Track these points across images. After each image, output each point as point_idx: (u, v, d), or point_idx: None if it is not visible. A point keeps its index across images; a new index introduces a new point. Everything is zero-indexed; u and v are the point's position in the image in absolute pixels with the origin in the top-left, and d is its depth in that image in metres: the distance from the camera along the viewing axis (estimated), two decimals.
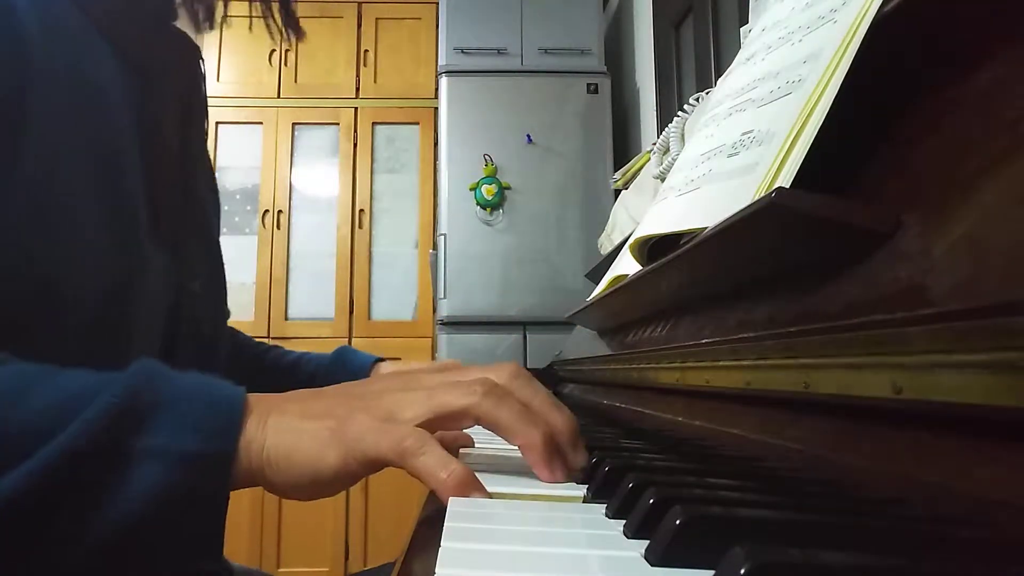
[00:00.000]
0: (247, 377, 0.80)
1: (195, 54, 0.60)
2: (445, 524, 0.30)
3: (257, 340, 0.87)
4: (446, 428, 0.40)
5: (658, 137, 1.25)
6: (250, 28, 0.62)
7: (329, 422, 0.38)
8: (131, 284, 0.48)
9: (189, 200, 0.60)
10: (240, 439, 0.36)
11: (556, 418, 0.41)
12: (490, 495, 0.37)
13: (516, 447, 0.40)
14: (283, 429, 0.37)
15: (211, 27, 0.61)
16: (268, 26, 0.63)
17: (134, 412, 0.34)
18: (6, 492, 0.31)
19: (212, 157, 2.71)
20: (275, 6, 0.63)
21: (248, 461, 0.36)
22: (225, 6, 0.61)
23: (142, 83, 0.52)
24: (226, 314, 0.69)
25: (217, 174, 2.88)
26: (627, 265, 0.77)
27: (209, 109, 0.64)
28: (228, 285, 0.74)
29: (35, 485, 0.31)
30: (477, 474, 0.38)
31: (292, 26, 0.64)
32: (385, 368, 0.80)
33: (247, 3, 0.63)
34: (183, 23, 0.59)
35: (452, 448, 0.52)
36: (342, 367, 0.80)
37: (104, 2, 0.49)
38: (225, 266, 0.69)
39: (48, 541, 0.32)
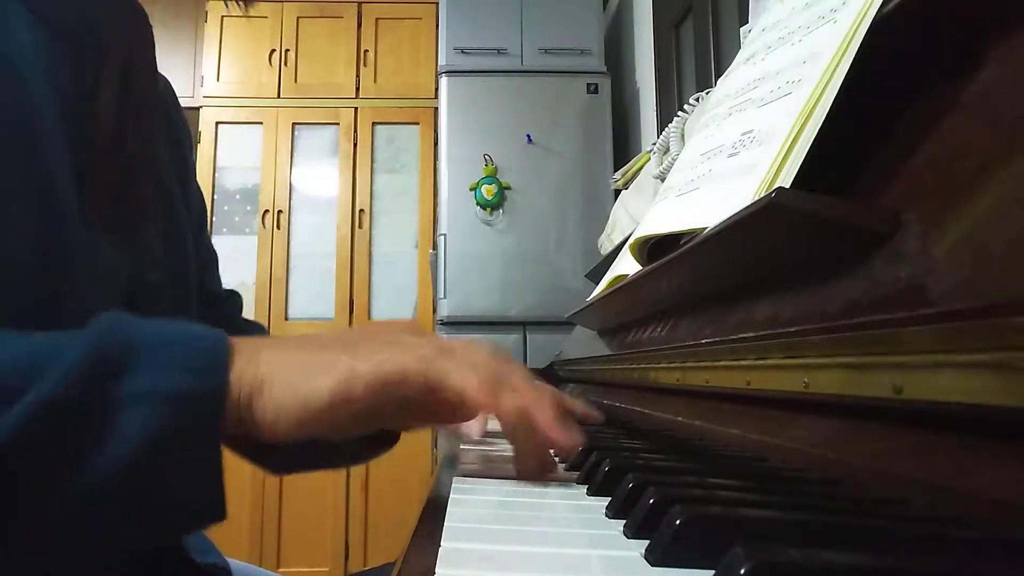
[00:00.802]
0: None
1: (137, 17, 0.54)
2: (445, 524, 0.30)
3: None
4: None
5: (658, 137, 1.25)
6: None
7: (328, 352, 0.36)
8: (69, 286, 0.44)
9: (140, 180, 0.54)
10: (231, 373, 0.34)
11: (541, 389, 0.40)
12: (517, 408, 0.35)
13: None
14: (274, 361, 0.35)
15: None
16: None
17: (111, 358, 0.31)
18: None
19: (212, 157, 2.72)
20: None
21: (239, 398, 0.34)
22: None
23: (67, 46, 0.47)
24: (194, 306, 0.63)
25: (217, 174, 2.87)
26: (627, 265, 0.77)
27: (207, 110, 0.62)
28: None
29: (14, 441, 0.29)
30: (476, 478, 0.38)
31: None
32: None
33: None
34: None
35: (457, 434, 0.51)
36: None
37: None
38: (219, 259, 0.65)
39: (37, 496, 0.30)
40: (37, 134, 0.43)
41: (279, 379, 0.34)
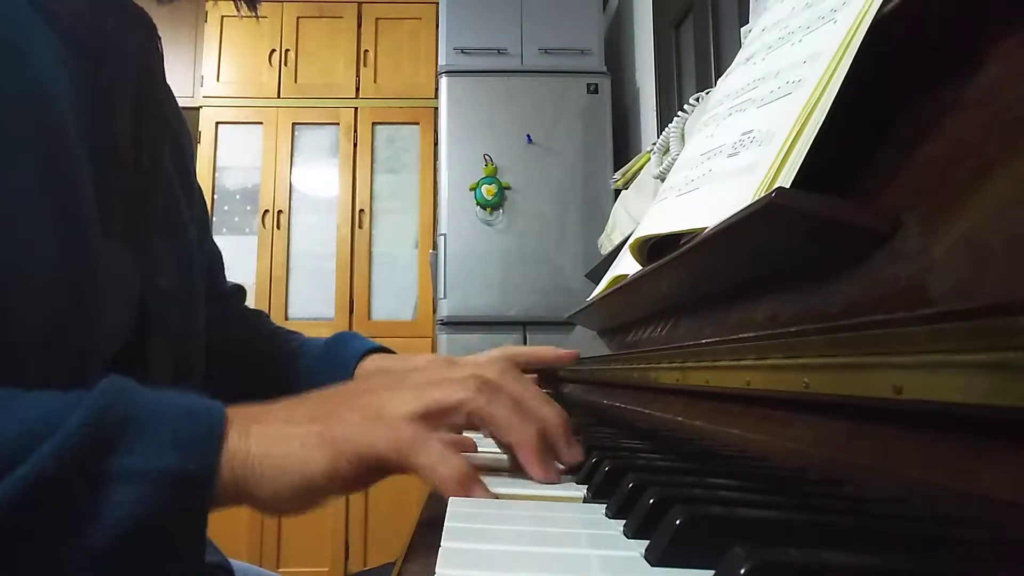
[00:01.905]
0: (253, 366, 0.76)
1: (148, 31, 0.55)
2: (445, 524, 0.30)
3: (275, 326, 0.82)
4: (438, 425, 0.39)
5: (658, 137, 1.25)
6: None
7: (315, 425, 0.36)
8: (85, 288, 0.45)
9: (152, 192, 0.55)
10: (222, 452, 0.34)
11: (548, 413, 0.40)
12: (493, 494, 0.36)
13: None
14: (268, 436, 0.35)
15: None
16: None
17: (105, 431, 0.32)
18: None
19: (212, 157, 2.72)
20: None
21: (231, 474, 0.34)
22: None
23: (86, 59, 0.48)
24: (201, 310, 0.63)
25: (217, 174, 2.87)
26: (627, 265, 0.77)
27: (208, 111, 0.63)
28: (205, 276, 0.72)
29: (4, 512, 0.30)
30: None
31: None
32: (370, 364, 0.75)
33: (258, 18, 0.61)
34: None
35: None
36: (336, 357, 0.76)
37: None
38: (224, 260, 0.66)
39: (27, 565, 0.31)
40: (62, 148, 0.44)
41: (273, 460, 0.35)
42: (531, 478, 0.39)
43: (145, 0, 0.55)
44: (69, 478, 0.31)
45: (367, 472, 0.36)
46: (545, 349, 0.80)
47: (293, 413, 0.38)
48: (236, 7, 0.61)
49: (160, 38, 0.56)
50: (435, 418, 0.38)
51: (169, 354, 0.56)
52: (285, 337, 0.80)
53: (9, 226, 0.40)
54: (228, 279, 0.79)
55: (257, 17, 0.61)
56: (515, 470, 0.41)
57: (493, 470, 0.44)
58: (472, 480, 0.35)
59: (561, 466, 0.40)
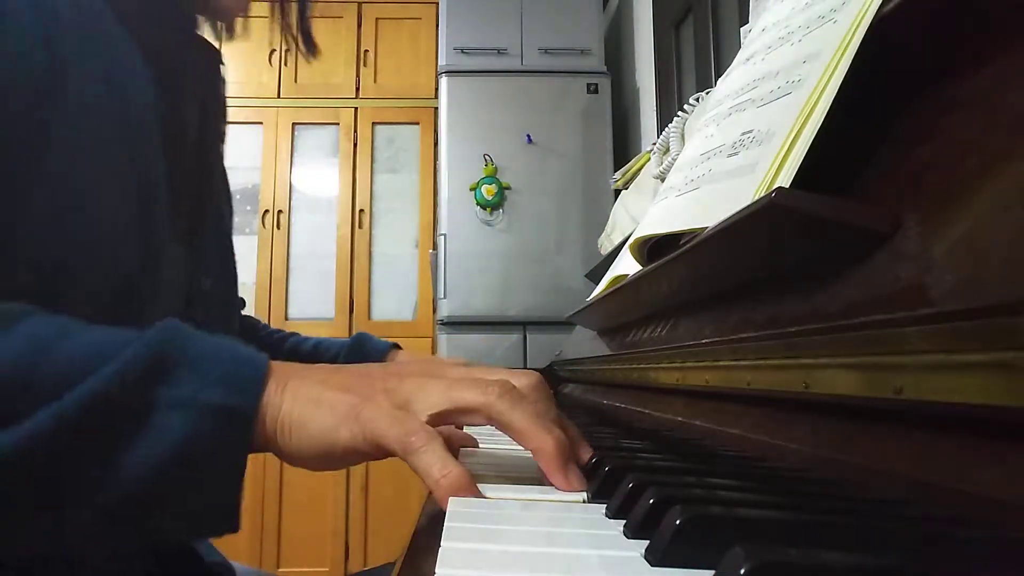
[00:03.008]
0: None
1: (216, 58, 0.62)
2: (445, 524, 0.30)
3: (276, 328, 0.88)
4: (459, 422, 0.40)
5: (658, 137, 1.25)
6: (245, 31, 0.65)
7: (349, 397, 0.38)
8: (147, 279, 0.49)
9: (206, 197, 0.61)
10: (262, 398, 0.36)
11: (568, 429, 0.41)
12: (485, 498, 0.36)
13: (523, 449, 0.39)
14: (301, 397, 0.37)
15: (231, 38, 0.64)
16: (285, 40, 0.68)
17: (162, 362, 0.34)
18: (36, 431, 0.31)
19: None
20: (293, 21, 0.67)
21: (264, 423, 0.36)
22: (245, 20, 0.64)
23: (166, 83, 0.53)
24: (237, 313, 0.69)
25: None
26: (627, 265, 0.77)
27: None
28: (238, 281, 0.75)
29: (63, 426, 0.32)
30: (479, 475, 0.38)
31: (307, 42, 0.69)
32: (402, 356, 0.81)
33: (259, 17, 0.65)
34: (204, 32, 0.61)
35: (453, 448, 0.52)
36: (360, 352, 0.82)
37: (136, 7, 0.51)
38: (236, 265, 0.69)
39: (73, 483, 0.33)
40: (148, 156, 0.49)
41: (299, 419, 0.37)
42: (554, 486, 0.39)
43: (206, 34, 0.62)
44: (126, 398, 0.33)
45: (379, 453, 0.37)
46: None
47: (330, 377, 0.39)
48: (285, 49, 0.67)
49: (224, 64, 0.63)
50: (457, 415, 0.39)
51: None
52: (296, 339, 0.86)
53: (97, 220, 0.44)
54: None
55: (251, 16, 0.65)
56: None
57: (494, 468, 0.44)
58: (464, 488, 0.36)
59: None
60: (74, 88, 0.44)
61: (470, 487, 0.36)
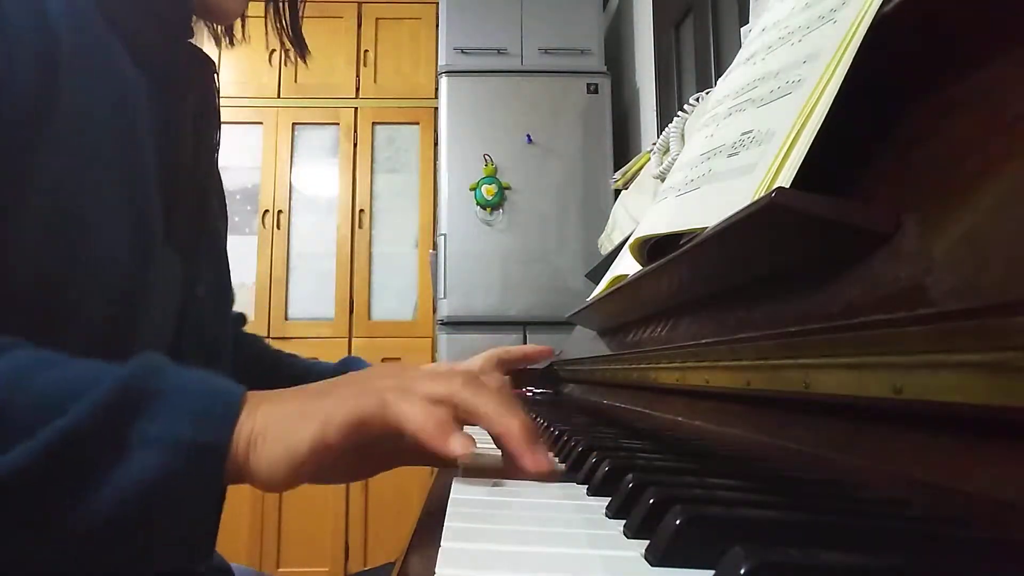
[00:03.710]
0: (261, 384, 0.81)
1: (210, 68, 0.62)
2: (445, 524, 0.30)
3: (275, 348, 0.87)
4: None
5: (658, 137, 1.25)
6: (245, 36, 0.65)
7: (309, 401, 0.38)
8: (141, 290, 0.49)
9: (201, 207, 0.61)
10: (234, 431, 0.36)
11: (521, 416, 0.41)
12: (474, 446, 0.37)
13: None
14: (268, 415, 0.37)
15: (231, 44, 0.64)
16: (280, 41, 0.67)
17: (134, 398, 0.34)
18: (7, 466, 0.31)
19: None
20: (283, 18, 0.66)
21: (236, 452, 0.36)
22: (243, 26, 0.64)
23: (161, 94, 0.53)
24: (229, 320, 0.69)
25: None
26: (627, 265, 0.77)
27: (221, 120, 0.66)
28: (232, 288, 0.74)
29: (34, 463, 0.32)
30: (476, 478, 0.38)
31: (298, 44, 0.68)
32: None
33: (258, 18, 0.66)
34: (201, 39, 0.61)
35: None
36: (346, 371, 0.81)
37: (128, 14, 0.50)
38: (231, 272, 0.69)
39: (42, 522, 0.33)
40: (140, 161, 0.49)
41: (270, 434, 0.36)
42: (520, 473, 0.40)
43: (203, 41, 0.62)
44: (95, 436, 0.33)
45: (358, 436, 0.37)
46: (524, 347, 0.84)
47: (298, 394, 0.40)
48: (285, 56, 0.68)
49: (218, 73, 0.63)
50: None
51: (200, 362, 0.58)
52: (290, 360, 0.85)
53: (87, 221, 0.44)
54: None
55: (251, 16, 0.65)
56: (507, 468, 0.41)
57: (488, 470, 0.44)
58: (451, 430, 0.36)
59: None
60: (69, 101, 0.44)
61: (455, 429, 0.37)
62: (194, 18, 0.59)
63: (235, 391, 0.37)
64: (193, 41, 0.60)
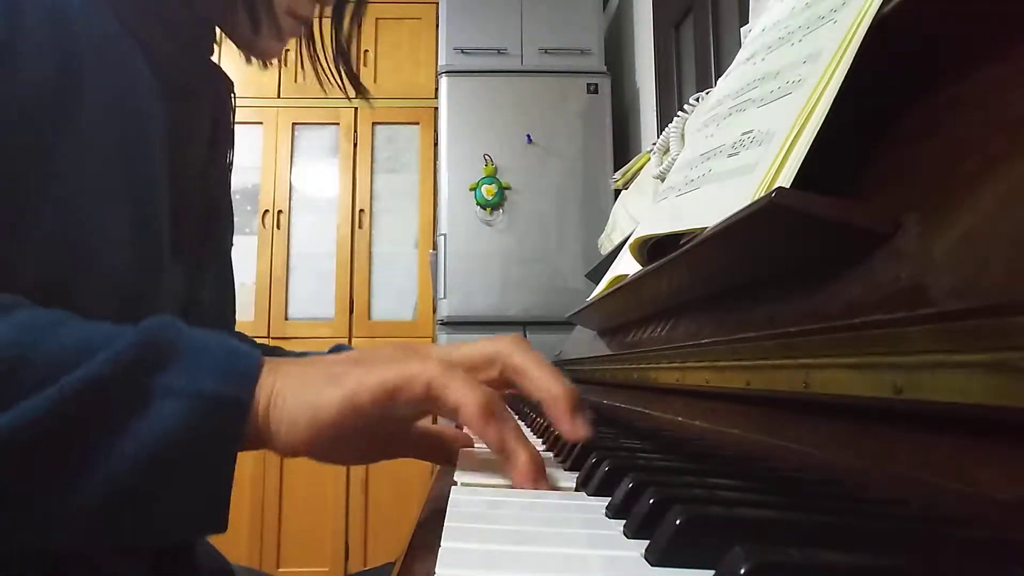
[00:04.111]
0: None
1: (227, 86, 0.62)
2: (445, 524, 0.30)
3: (263, 344, 0.87)
4: (474, 372, 0.41)
5: (658, 137, 1.25)
6: (319, 82, 0.67)
7: (339, 366, 0.38)
8: (148, 300, 0.49)
9: (210, 218, 0.61)
10: (256, 387, 0.36)
11: (556, 386, 0.42)
12: (522, 434, 0.37)
13: None
14: (293, 374, 0.37)
15: (264, 67, 0.64)
16: (332, 83, 0.68)
17: (157, 352, 0.34)
18: (30, 415, 0.31)
19: None
20: (340, 67, 0.68)
21: (257, 410, 0.36)
22: (284, 55, 0.64)
23: (177, 108, 0.53)
24: (233, 329, 0.69)
25: None
26: (627, 265, 0.77)
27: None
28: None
29: (57, 411, 0.32)
30: (475, 475, 0.38)
31: (356, 85, 0.70)
32: None
33: (311, 60, 0.67)
34: (234, 58, 0.61)
35: (451, 448, 0.52)
36: None
37: (146, 23, 0.50)
38: (235, 281, 0.69)
39: (66, 470, 0.32)
40: (153, 172, 0.49)
41: (291, 392, 0.36)
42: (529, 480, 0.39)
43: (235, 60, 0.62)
44: (121, 384, 0.33)
45: (389, 403, 0.37)
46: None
47: (318, 361, 0.39)
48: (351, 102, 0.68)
49: (235, 93, 0.63)
50: (467, 371, 0.39)
51: None
52: (282, 353, 0.84)
53: (96, 229, 0.44)
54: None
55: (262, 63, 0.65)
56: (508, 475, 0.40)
57: (492, 469, 0.45)
58: (496, 413, 0.36)
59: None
60: (86, 108, 0.44)
61: (500, 412, 0.37)
62: (224, 37, 0.59)
63: (253, 352, 0.37)
64: (215, 56, 0.60)
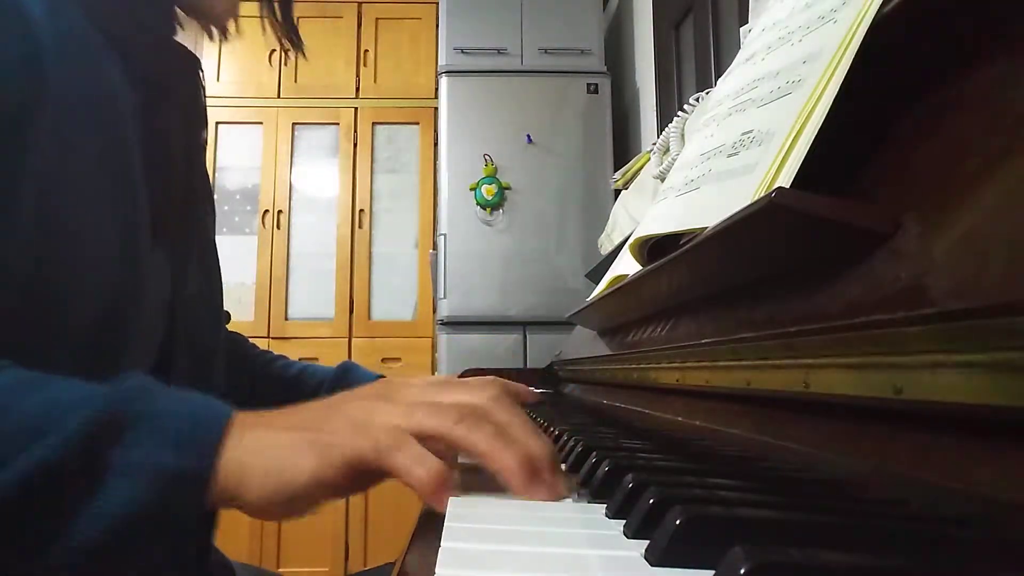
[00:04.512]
0: (251, 386, 0.80)
1: (195, 65, 0.61)
2: (445, 524, 0.30)
3: (263, 349, 0.86)
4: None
5: (658, 137, 1.25)
6: (238, 31, 0.64)
7: (305, 432, 0.37)
8: (131, 293, 0.49)
9: (193, 201, 0.60)
10: (219, 458, 0.35)
11: (533, 444, 0.39)
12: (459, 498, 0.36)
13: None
14: (259, 443, 0.36)
15: (226, 39, 0.63)
16: (274, 34, 0.66)
17: (115, 425, 0.34)
18: None
19: (212, 157, 2.72)
20: (275, 15, 0.65)
21: (225, 480, 0.35)
22: (236, 21, 0.63)
23: (148, 95, 0.53)
24: (223, 318, 0.68)
25: (217, 174, 2.89)
26: (627, 265, 0.77)
27: (208, 112, 0.65)
28: (228, 285, 0.74)
29: (9, 495, 0.31)
30: (472, 490, 0.38)
31: (291, 34, 0.66)
32: None
33: (256, 18, 0.65)
34: (188, 36, 0.61)
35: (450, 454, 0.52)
36: (345, 383, 0.79)
37: (113, 16, 0.50)
38: (221, 269, 0.69)
39: (19, 551, 0.32)
40: (129, 164, 0.49)
41: (260, 465, 0.36)
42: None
43: (187, 38, 0.61)
44: (73, 466, 0.32)
45: (355, 476, 0.36)
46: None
47: (289, 420, 0.39)
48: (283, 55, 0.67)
49: (204, 72, 0.62)
50: (418, 440, 0.38)
51: (191, 362, 0.58)
52: (282, 363, 0.83)
53: (76, 225, 0.44)
54: (227, 281, 0.80)
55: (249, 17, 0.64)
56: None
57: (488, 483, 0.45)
58: (447, 483, 0.36)
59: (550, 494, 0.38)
60: (54, 101, 0.43)
61: (449, 482, 0.36)
62: (182, 15, 0.59)
63: (221, 415, 0.36)
64: (182, 38, 0.60)
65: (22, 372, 0.36)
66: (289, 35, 0.67)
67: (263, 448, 0.36)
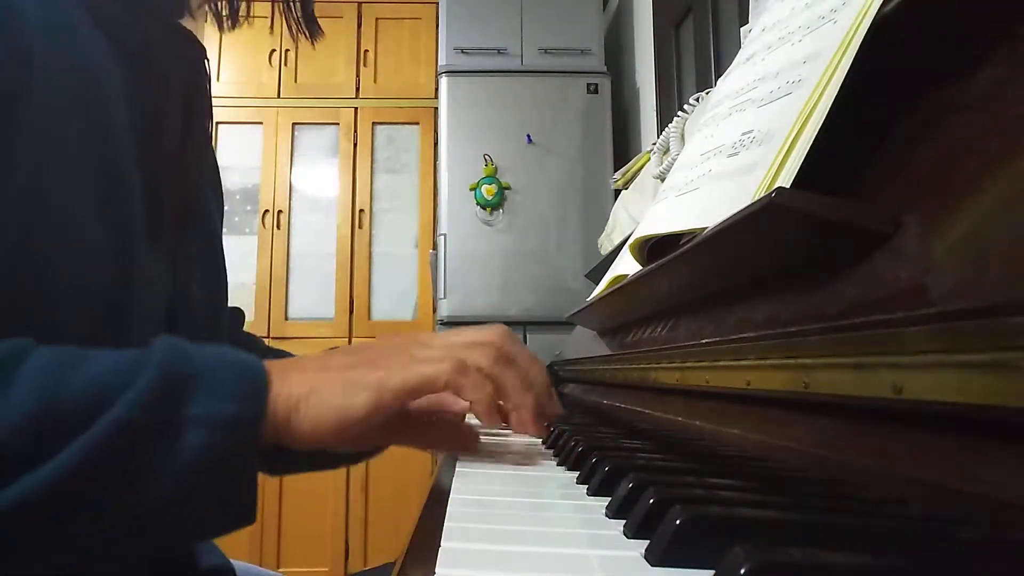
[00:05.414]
0: None
1: (199, 52, 0.59)
2: (445, 524, 0.30)
3: (278, 349, 0.85)
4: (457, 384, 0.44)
5: (658, 137, 1.25)
6: (249, 15, 0.63)
7: (350, 370, 0.42)
8: (126, 291, 0.47)
9: (191, 199, 0.59)
10: (267, 400, 0.38)
11: (541, 381, 0.47)
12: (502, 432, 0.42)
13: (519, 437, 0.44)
14: (307, 380, 0.40)
15: (234, 25, 0.62)
16: (288, 24, 0.64)
17: (176, 384, 0.36)
18: (66, 464, 0.32)
19: None
20: (295, 5, 0.64)
21: (275, 416, 0.39)
22: (248, 6, 0.61)
23: (142, 77, 0.51)
24: (226, 316, 0.67)
25: None
26: (627, 265, 0.77)
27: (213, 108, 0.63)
28: (228, 285, 0.73)
29: (93, 456, 0.33)
30: (476, 463, 0.40)
31: (310, 24, 0.65)
32: None
33: (268, 2, 0.63)
34: (191, 22, 0.59)
35: (451, 439, 0.52)
36: None
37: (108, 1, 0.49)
38: (227, 266, 0.68)
39: (106, 509, 0.34)
40: (119, 153, 0.48)
41: (315, 398, 0.40)
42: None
43: (193, 24, 0.59)
44: (148, 425, 0.35)
45: (409, 401, 0.42)
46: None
47: (327, 362, 0.43)
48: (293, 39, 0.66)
49: (208, 59, 0.60)
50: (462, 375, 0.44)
51: None
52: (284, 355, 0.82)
53: (67, 225, 0.44)
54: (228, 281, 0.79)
55: (248, 18, 0.63)
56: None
57: (492, 458, 0.47)
58: (496, 409, 0.43)
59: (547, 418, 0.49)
60: (41, 87, 0.42)
61: (499, 409, 0.44)
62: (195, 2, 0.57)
63: (258, 364, 0.40)
64: (186, 26, 0.57)
65: (55, 347, 0.37)
66: (309, 25, 0.66)
67: (314, 385, 0.40)
